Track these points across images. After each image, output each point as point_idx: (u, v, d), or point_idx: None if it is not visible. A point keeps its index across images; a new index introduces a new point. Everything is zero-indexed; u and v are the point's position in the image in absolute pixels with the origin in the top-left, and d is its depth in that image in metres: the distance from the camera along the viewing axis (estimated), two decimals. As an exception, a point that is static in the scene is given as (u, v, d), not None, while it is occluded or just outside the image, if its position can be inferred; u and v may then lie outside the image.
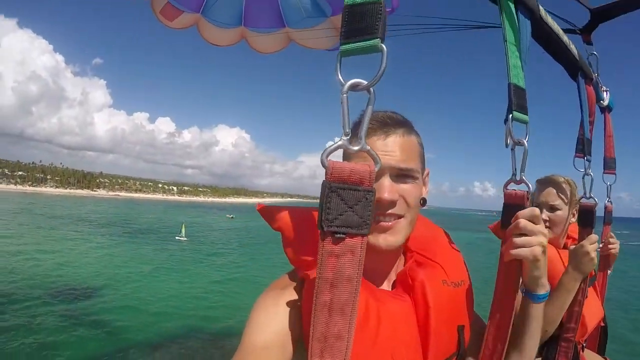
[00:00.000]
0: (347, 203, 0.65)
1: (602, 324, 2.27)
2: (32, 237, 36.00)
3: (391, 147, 0.98)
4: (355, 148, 0.65)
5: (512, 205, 1.05)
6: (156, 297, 19.53)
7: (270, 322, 0.92)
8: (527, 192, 1.03)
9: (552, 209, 2.14)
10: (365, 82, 0.63)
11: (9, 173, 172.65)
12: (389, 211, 0.97)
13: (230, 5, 2.85)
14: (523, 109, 1.06)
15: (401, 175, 0.99)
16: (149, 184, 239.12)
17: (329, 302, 0.67)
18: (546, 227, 2.11)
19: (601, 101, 2.04)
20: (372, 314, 0.94)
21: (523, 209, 1.01)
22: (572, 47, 1.63)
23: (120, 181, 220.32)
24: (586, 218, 1.80)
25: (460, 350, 1.06)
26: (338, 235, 0.65)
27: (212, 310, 18.25)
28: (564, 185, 2.17)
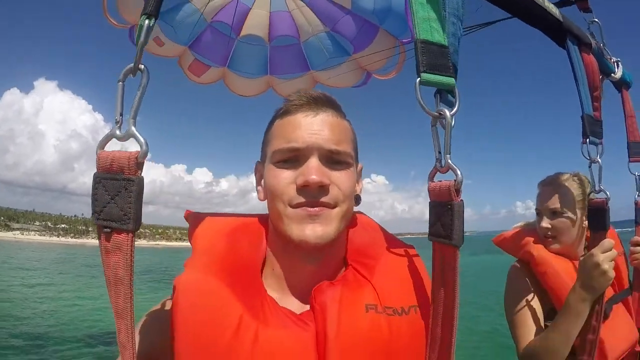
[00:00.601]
0: (109, 194, 0.61)
1: (638, 349, 1.78)
2: (73, 284, 36.41)
3: (320, 126, 0.86)
4: (120, 134, 0.61)
5: (437, 204, 0.75)
6: None
7: (148, 332, 0.84)
8: (455, 182, 0.71)
9: (554, 214, 1.77)
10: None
11: (52, 226, 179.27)
12: (321, 199, 0.82)
13: (255, 56, 2.91)
14: (440, 69, 0.74)
15: (332, 159, 0.86)
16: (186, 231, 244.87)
17: (115, 305, 0.63)
18: (549, 236, 1.79)
19: (612, 74, 1.65)
20: (244, 334, 0.76)
21: (448, 207, 0.71)
22: (549, 5, 1.27)
23: (160, 231, 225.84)
24: (596, 218, 1.44)
25: None
26: (105, 229, 0.61)
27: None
28: (567, 183, 1.79)
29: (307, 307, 0.86)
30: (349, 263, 0.94)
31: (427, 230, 0.78)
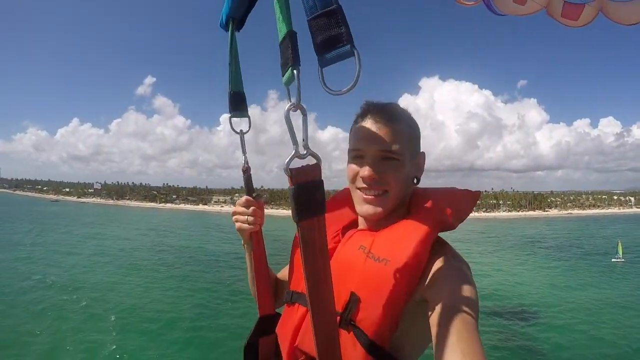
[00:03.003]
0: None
1: None
2: (486, 258, 40.53)
3: (375, 132, 1.11)
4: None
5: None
6: (585, 324, 19.48)
7: None
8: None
9: None
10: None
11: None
12: (375, 186, 1.12)
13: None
14: (283, 66, 0.79)
15: (383, 157, 1.11)
16: (603, 196, 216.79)
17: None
18: None
19: None
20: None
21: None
22: None
23: (572, 197, 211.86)
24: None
25: (346, 315, 1.02)
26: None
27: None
28: None
29: None
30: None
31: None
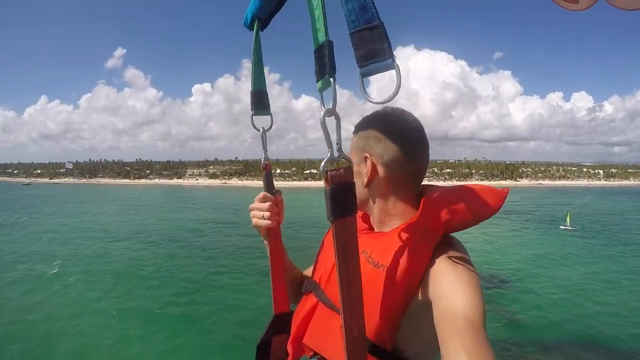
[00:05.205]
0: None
1: None
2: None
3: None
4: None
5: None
6: (538, 287, 21.08)
7: None
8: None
9: None
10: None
11: (438, 171, 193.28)
12: None
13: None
14: (320, 73, 0.79)
15: None
16: (573, 169, 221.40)
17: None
18: None
19: None
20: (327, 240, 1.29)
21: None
22: None
23: (542, 168, 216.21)
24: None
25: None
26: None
27: (604, 311, 17.93)
28: None
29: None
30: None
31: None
